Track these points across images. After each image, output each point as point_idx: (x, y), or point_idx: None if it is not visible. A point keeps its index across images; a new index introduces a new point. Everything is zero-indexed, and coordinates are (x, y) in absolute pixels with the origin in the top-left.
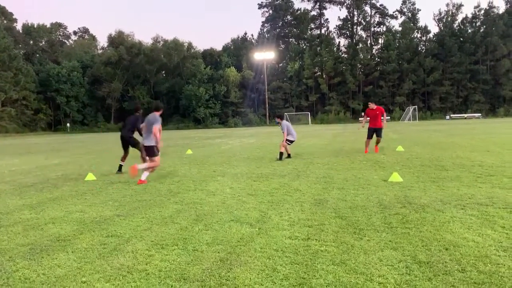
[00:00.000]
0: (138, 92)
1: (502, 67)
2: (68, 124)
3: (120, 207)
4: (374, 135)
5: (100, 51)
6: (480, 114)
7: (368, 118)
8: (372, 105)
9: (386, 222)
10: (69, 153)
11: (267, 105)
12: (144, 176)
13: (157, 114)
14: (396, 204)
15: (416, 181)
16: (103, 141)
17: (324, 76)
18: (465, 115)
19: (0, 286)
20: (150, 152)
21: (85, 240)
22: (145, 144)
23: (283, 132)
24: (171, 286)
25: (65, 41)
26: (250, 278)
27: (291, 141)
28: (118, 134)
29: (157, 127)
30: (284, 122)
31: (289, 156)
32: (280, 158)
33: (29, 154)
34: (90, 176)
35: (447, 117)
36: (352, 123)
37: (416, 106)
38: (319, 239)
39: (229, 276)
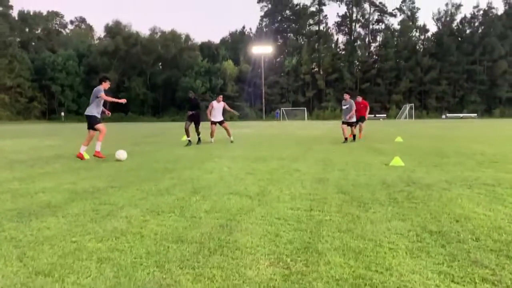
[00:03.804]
0: (134, 83)
1: (499, 68)
2: (62, 113)
3: (114, 180)
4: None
5: (96, 41)
6: (476, 114)
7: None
8: (358, 98)
9: (391, 197)
10: (62, 137)
11: (263, 100)
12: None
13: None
14: (399, 183)
15: (418, 165)
16: None
17: (321, 72)
18: (461, 115)
19: None
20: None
21: (76, 206)
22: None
23: (350, 111)
24: (168, 247)
25: (62, 30)
26: (251, 242)
27: (353, 123)
28: (114, 125)
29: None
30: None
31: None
32: (352, 139)
33: (22, 137)
34: (84, 155)
35: (443, 116)
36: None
37: (413, 104)
38: (322, 210)
39: (229, 239)
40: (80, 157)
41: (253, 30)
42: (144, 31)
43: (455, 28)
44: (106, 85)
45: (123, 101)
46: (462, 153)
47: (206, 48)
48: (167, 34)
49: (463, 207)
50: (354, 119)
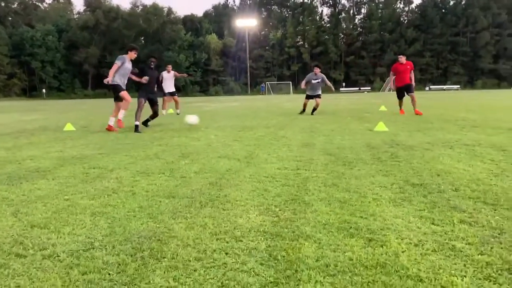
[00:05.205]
0: (116, 58)
1: (481, 40)
2: (43, 90)
3: (102, 148)
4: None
5: (76, 16)
6: (459, 86)
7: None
8: (402, 59)
9: (375, 157)
10: (45, 112)
11: (248, 74)
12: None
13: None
14: (383, 145)
15: (401, 130)
16: (82, 103)
17: (306, 45)
18: (444, 87)
19: None
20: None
21: (66, 170)
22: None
23: (322, 84)
24: (160, 202)
25: (39, 4)
26: (241, 196)
27: (319, 95)
28: (97, 101)
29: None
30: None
31: (303, 111)
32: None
33: (3, 112)
34: (69, 127)
35: (427, 88)
36: (333, 94)
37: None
38: (308, 169)
39: (219, 194)
40: (110, 129)
41: (237, 3)
42: (125, 5)
43: None
44: (132, 54)
45: (145, 80)
46: (445, 120)
47: (189, 22)
48: (148, 7)
49: (444, 164)
50: (319, 92)
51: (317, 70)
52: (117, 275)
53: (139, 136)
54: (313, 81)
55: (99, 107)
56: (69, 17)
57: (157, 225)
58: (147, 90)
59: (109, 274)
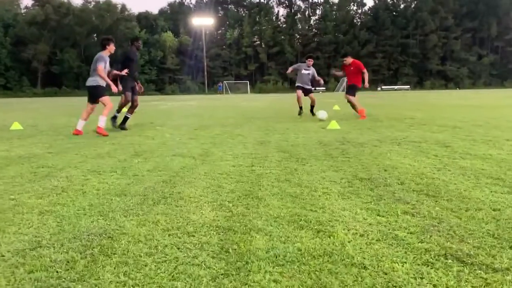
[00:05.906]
0: (67, 55)
1: (430, 42)
2: None
3: (51, 147)
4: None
5: (24, 11)
6: (409, 86)
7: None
8: (346, 60)
9: (327, 154)
10: None
11: (205, 73)
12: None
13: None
14: (335, 142)
15: (353, 128)
16: (30, 102)
17: (263, 45)
18: (395, 87)
19: None
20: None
21: (12, 170)
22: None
23: (310, 78)
24: (111, 200)
25: None
26: (195, 192)
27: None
28: (47, 99)
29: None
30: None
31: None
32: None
33: None
34: (16, 125)
35: (379, 88)
36: (289, 93)
37: None
38: (263, 166)
39: (173, 191)
40: (78, 133)
41: (193, 1)
42: (77, 1)
43: (390, 2)
44: (111, 48)
45: (124, 73)
46: (394, 118)
47: (144, 19)
48: (101, 3)
49: (391, 159)
50: (310, 86)
51: (310, 62)
52: (66, 272)
53: (90, 135)
54: (304, 71)
55: (49, 106)
56: (15, 11)
57: (108, 223)
58: (131, 79)
59: (57, 271)
